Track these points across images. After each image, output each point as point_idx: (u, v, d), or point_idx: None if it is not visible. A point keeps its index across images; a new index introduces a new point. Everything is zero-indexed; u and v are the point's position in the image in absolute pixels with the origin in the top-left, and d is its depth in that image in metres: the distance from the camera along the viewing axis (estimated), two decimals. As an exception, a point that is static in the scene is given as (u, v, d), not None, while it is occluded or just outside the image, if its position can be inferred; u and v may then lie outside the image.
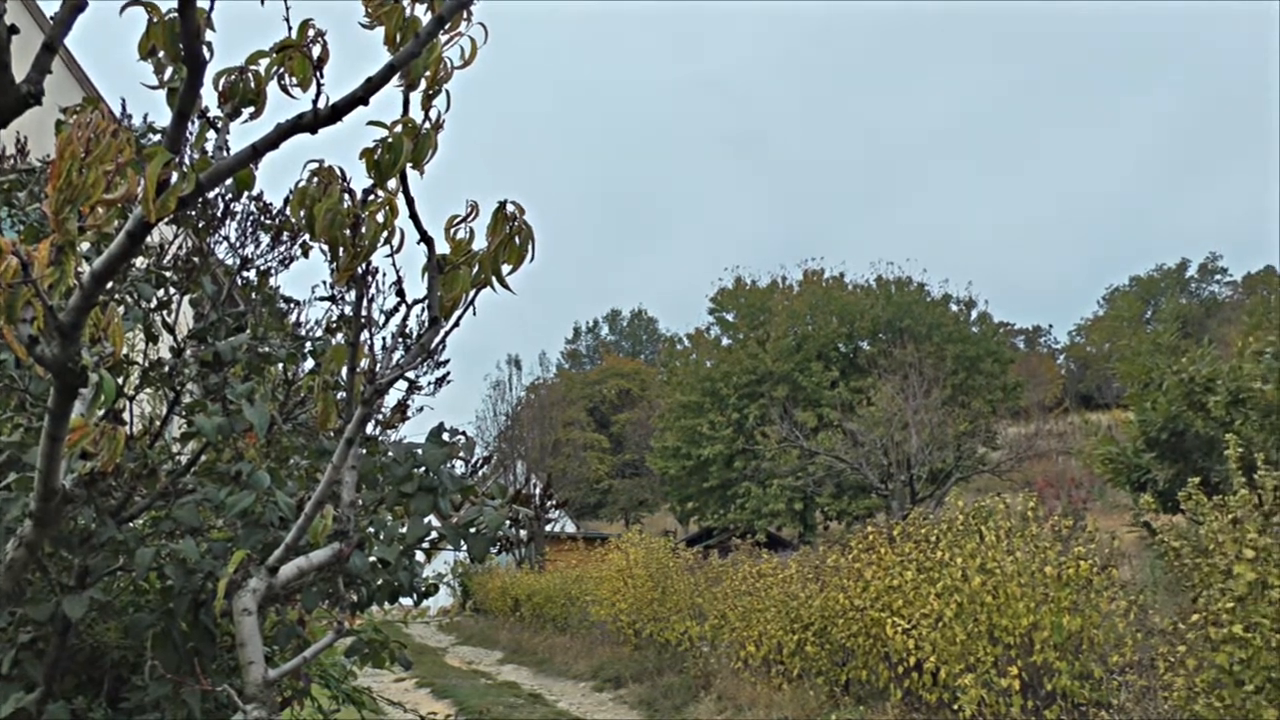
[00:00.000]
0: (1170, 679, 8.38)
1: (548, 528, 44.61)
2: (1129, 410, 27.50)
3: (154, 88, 2.39)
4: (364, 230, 2.46)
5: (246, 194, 5.72)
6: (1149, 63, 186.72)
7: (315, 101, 2.29)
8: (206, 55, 2.18)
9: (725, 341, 61.68)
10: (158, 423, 4.70)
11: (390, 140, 2.42)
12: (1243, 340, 24.01)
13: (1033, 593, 10.29)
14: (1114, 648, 9.94)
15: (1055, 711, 9.89)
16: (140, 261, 4.70)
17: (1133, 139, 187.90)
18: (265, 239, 6.06)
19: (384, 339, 4.04)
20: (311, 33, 2.34)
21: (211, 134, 2.57)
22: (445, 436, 3.76)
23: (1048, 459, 52.54)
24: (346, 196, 2.44)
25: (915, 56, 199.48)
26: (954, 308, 58.09)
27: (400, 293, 2.79)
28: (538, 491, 43.51)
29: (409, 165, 2.48)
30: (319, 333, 5.51)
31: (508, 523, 3.66)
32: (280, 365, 4.74)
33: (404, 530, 3.71)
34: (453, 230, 2.64)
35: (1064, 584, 10.14)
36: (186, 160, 2.38)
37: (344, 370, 2.97)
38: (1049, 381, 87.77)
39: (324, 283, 5.51)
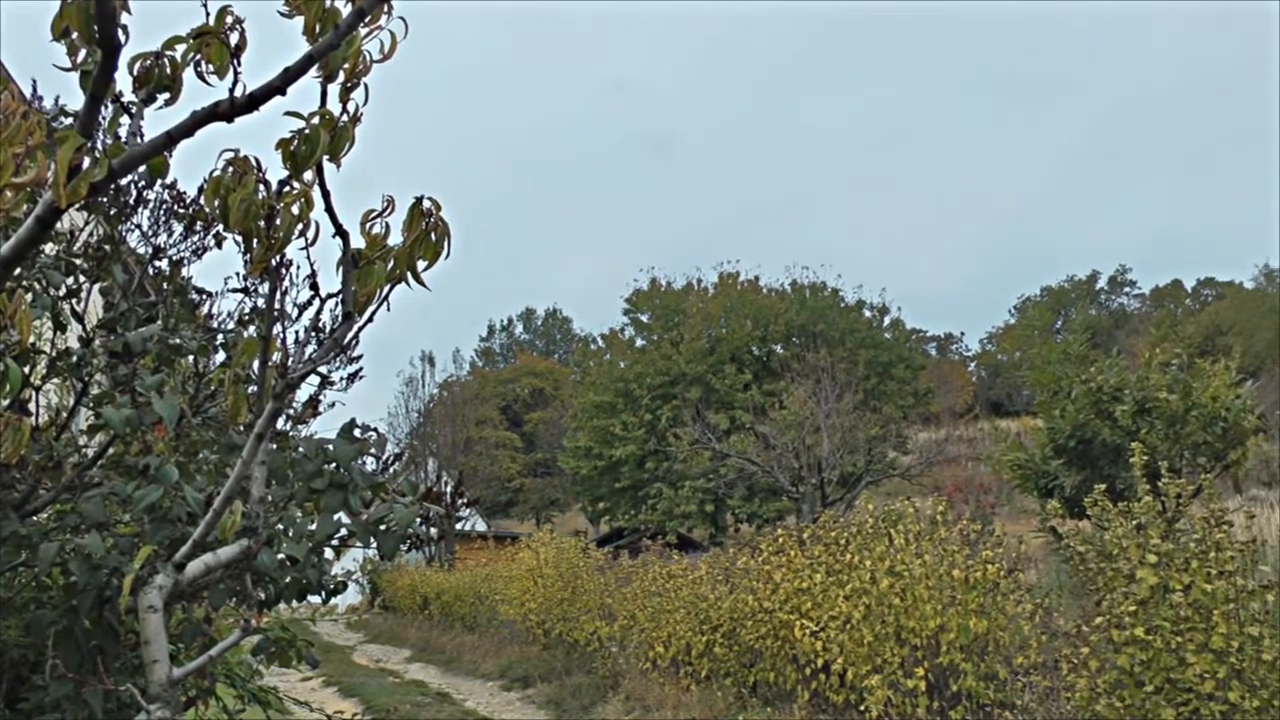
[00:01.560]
0: (1073, 680, 8.52)
1: (458, 526, 44.40)
2: (1038, 417, 27.92)
3: (67, 70, 2.34)
4: (279, 222, 2.43)
5: (160, 182, 5.65)
6: (1064, 76, 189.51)
7: (232, 90, 2.26)
8: (122, 38, 2.14)
9: (639, 342, 61.80)
10: (64, 414, 4.62)
11: (307, 132, 2.39)
12: (1150, 351, 24.51)
13: (940, 595, 10.40)
14: (1019, 649, 10.06)
15: (960, 712, 10.00)
16: (49, 248, 4.61)
17: (1046, 151, 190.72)
18: (178, 228, 5.99)
19: (297, 333, 4.00)
20: (230, 20, 2.31)
21: (125, 119, 2.53)
22: (357, 432, 3.73)
23: (957, 464, 53.31)
24: (262, 187, 2.41)
25: (831, 62, 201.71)
26: (867, 313, 58.80)
27: (314, 286, 2.76)
28: (449, 489, 43.36)
29: (326, 158, 2.45)
30: (231, 325, 5.44)
31: (418, 520, 3.64)
32: (191, 357, 4.68)
33: (313, 527, 3.67)
34: (368, 225, 2.61)
35: (971, 587, 10.25)
36: (99, 145, 2.34)
37: (255, 364, 2.94)
38: (960, 388, 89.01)
39: (237, 274, 5.45)
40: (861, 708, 10.69)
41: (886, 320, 59.60)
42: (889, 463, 46.35)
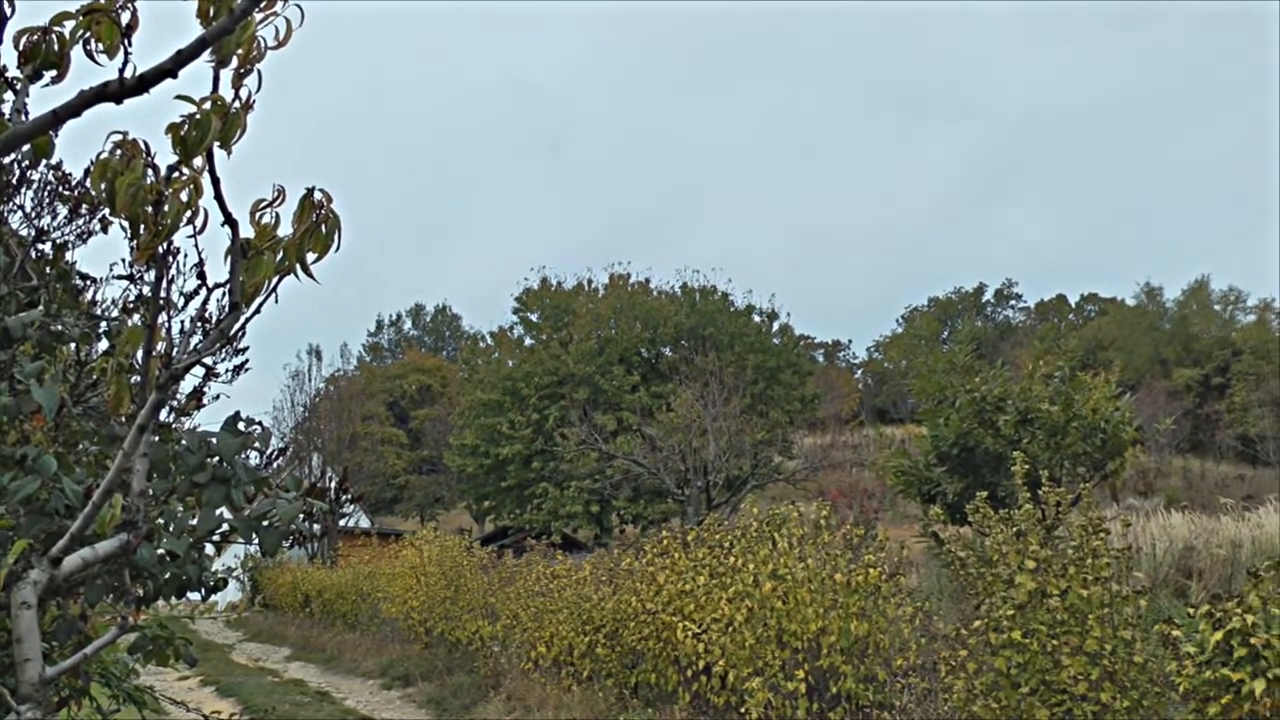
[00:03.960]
0: (951, 681, 8.68)
1: (342, 522, 43.97)
2: (922, 425, 28.30)
3: (-53, 45, 2.28)
4: (167, 208, 2.38)
5: (45, 162, 5.52)
6: (958, 90, 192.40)
7: (122, 70, 2.20)
8: (7, 11, 2.09)
9: (528, 341, 61.68)
10: (-64, 401, 4.49)
11: (198, 117, 2.34)
12: (1033, 363, 25.04)
13: (822, 598, 10.50)
14: (899, 652, 10.21)
15: (840, 714, 10.11)
16: (-76, 230, 4.49)
17: (940, 165, 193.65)
18: (63, 211, 5.86)
19: (183, 322, 3.93)
20: (121, -2, 2.26)
21: (9, 96, 2.46)
22: (241, 426, 3.66)
23: (842, 470, 53.98)
24: (150, 172, 2.36)
25: (728, 67, 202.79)
26: (756, 319, 59.19)
27: (201, 275, 2.71)
28: (333, 485, 42.74)
29: (216, 144, 2.40)
30: (115, 312, 5.33)
31: (301, 516, 3.58)
32: (73, 345, 4.57)
33: (195, 522, 3.60)
34: (258, 214, 2.56)
35: (853, 590, 10.37)
36: (-20, 123, 2.28)
37: (139, 353, 2.87)
38: (846, 395, 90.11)
39: (123, 260, 5.35)
40: (742, 709, 10.75)
41: (775, 326, 60.11)
42: (774, 467, 46.76)
